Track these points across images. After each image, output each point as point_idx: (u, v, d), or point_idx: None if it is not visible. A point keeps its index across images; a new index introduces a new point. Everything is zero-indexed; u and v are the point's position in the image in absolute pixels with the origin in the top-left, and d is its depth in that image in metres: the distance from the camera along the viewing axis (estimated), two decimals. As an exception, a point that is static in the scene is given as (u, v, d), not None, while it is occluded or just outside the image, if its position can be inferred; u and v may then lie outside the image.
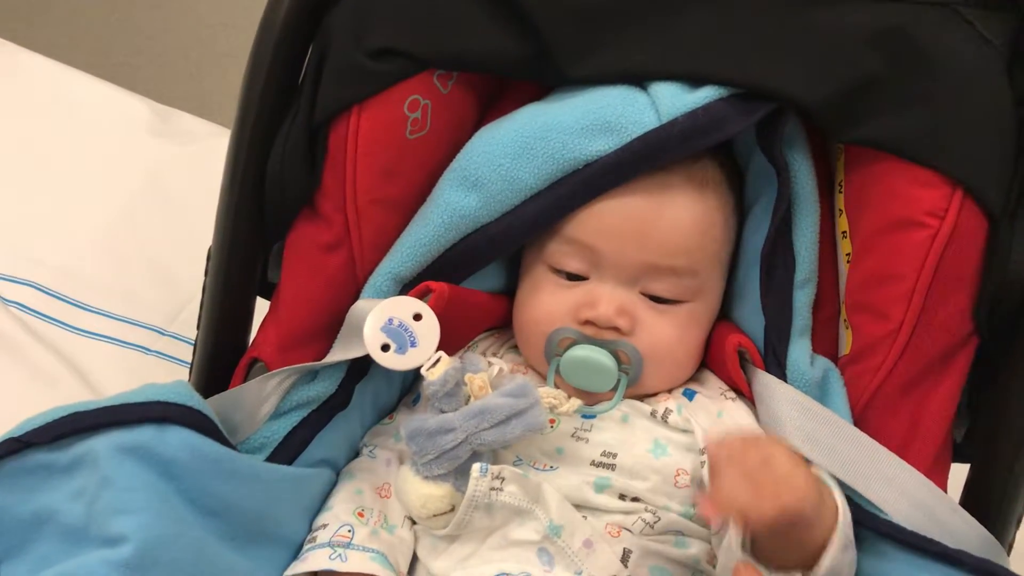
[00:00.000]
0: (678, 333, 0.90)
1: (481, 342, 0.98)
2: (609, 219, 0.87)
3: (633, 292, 0.88)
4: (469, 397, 0.82)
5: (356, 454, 0.94)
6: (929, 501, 0.82)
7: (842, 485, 0.82)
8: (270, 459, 0.86)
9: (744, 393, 0.90)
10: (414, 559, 0.87)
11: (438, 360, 0.83)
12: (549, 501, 0.82)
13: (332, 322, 0.90)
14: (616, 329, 0.87)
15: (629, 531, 0.83)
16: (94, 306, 1.32)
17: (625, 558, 0.82)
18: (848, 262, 0.90)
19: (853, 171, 0.89)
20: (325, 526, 0.85)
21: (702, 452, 0.86)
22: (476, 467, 0.81)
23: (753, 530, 0.73)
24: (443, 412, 0.82)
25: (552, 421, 0.87)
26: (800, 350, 0.88)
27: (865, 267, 0.88)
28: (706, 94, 0.85)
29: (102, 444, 0.75)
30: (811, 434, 0.84)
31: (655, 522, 0.83)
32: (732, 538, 0.75)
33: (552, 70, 0.89)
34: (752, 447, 0.73)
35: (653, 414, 0.89)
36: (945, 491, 0.85)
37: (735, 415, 0.88)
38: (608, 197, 0.87)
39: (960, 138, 0.83)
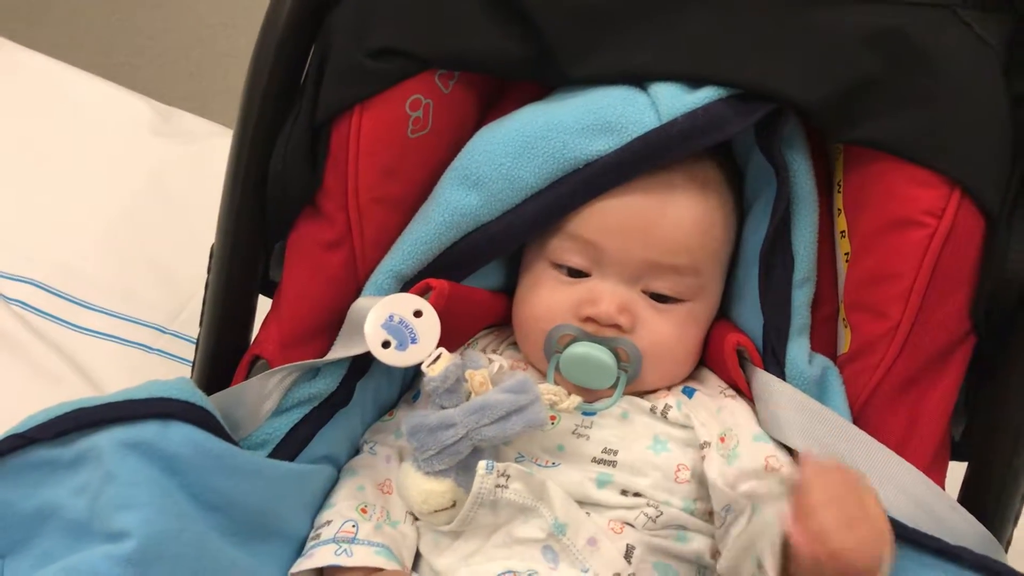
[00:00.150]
0: (678, 332, 0.90)
1: (481, 339, 0.98)
2: (612, 216, 0.87)
3: (634, 290, 0.89)
4: (470, 393, 0.83)
5: (357, 451, 0.94)
6: (928, 498, 0.82)
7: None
8: (272, 455, 0.86)
9: (743, 392, 0.90)
10: (417, 556, 0.87)
11: (438, 356, 0.83)
12: (554, 499, 0.82)
13: (333, 320, 0.91)
14: (617, 327, 0.87)
15: (632, 526, 0.84)
16: (95, 304, 1.32)
17: (629, 554, 0.82)
18: (847, 261, 0.90)
19: (852, 171, 0.89)
20: (329, 523, 0.86)
21: (702, 447, 0.86)
22: (482, 464, 0.81)
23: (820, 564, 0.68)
24: (444, 408, 0.82)
25: (553, 418, 0.88)
26: (799, 349, 0.88)
27: (863, 266, 0.88)
28: (706, 94, 0.85)
29: (105, 440, 0.76)
30: (810, 432, 0.84)
31: (657, 516, 0.84)
32: (770, 557, 0.72)
33: (553, 70, 0.89)
34: (849, 484, 0.70)
35: (653, 410, 0.89)
36: (943, 489, 0.85)
37: (734, 413, 0.89)
38: (611, 195, 0.87)
39: (958, 138, 0.83)
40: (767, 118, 0.87)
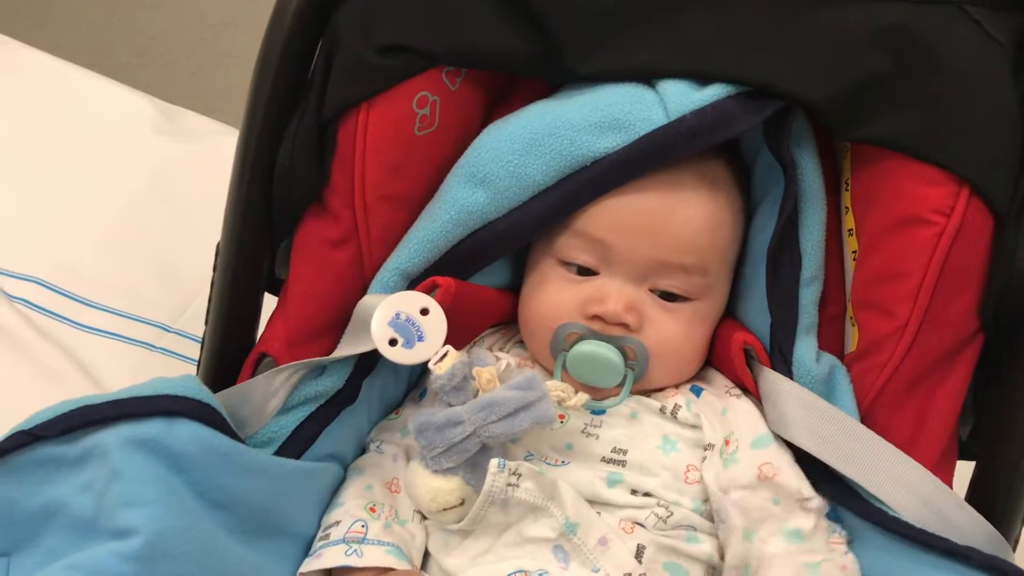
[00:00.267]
0: (685, 331, 0.90)
1: (487, 338, 0.98)
2: (621, 215, 0.87)
3: (642, 289, 0.88)
4: (477, 391, 0.83)
5: (363, 449, 0.94)
6: (935, 498, 0.82)
7: (849, 481, 0.83)
8: (278, 453, 0.86)
9: (750, 391, 0.90)
10: (426, 556, 0.87)
11: (445, 354, 0.83)
12: (565, 498, 0.82)
13: (340, 317, 0.90)
14: (624, 325, 0.87)
15: (642, 526, 0.84)
16: (99, 302, 1.32)
17: (639, 554, 0.82)
18: (854, 260, 0.90)
19: (860, 169, 0.89)
20: (338, 522, 0.86)
21: (706, 448, 0.86)
22: (494, 462, 0.81)
23: None
24: (451, 406, 0.82)
25: (562, 417, 0.87)
26: (806, 347, 0.88)
27: (871, 265, 0.88)
28: (714, 92, 0.85)
29: (112, 437, 0.75)
30: (818, 431, 0.84)
31: (668, 516, 0.84)
32: None
33: (560, 67, 0.89)
34: None
35: (662, 410, 0.89)
36: (951, 488, 0.85)
37: (738, 415, 0.89)
38: (620, 193, 0.87)
39: (966, 136, 0.83)
40: (775, 116, 0.86)
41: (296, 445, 0.87)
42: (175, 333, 1.31)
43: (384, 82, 0.88)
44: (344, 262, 0.91)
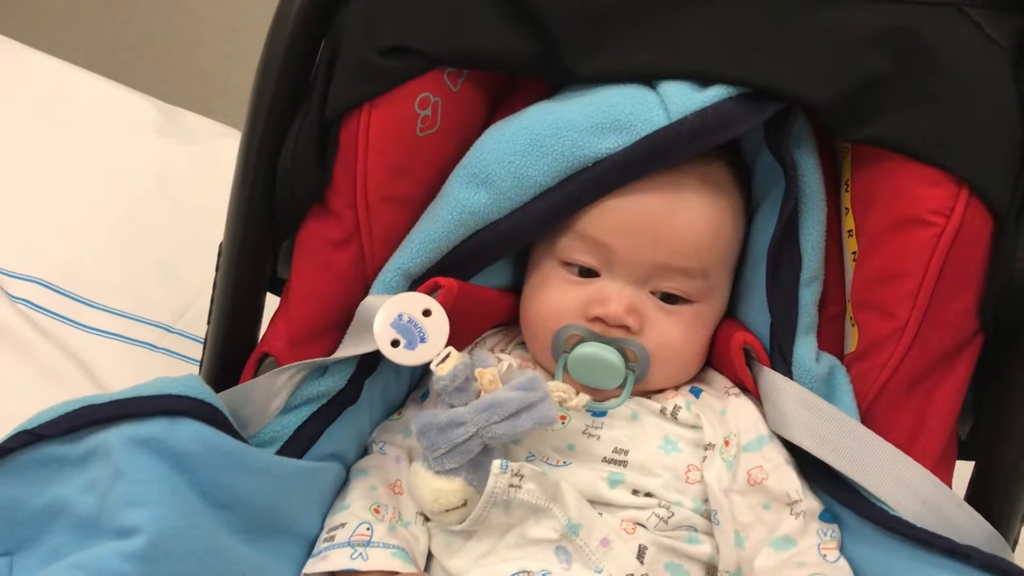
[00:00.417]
0: (685, 333, 0.90)
1: (489, 339, 0.98)
2: (623, 217, 0.87)
3: (643, 291, 0.89)
4: (479, 392, 0.83)
5: (365, 449, 0.94)
6: (935, 497, 0.82)
7: (848, 481, 0.83)
8: (280, 453, 0.86)
9: (750, 390, 0.90)
10: (429, 557, 0.87)
11: (447, 355, 0.83)
12: (567, 499, 0.82)
13: (342, 318, 0.91)
14: (625, 327, 0.87)
15: (644, 527, 0.84)
16: (100, 303, 1.32)
17: (641, 555, 0.82)
18: (854, 260, 0.90)
19: (860, 170, 0.89)
20: (343, 524, 0.86)
21: (706, 448, 0.87)
22: (496, 463, 0.81)
23: None
24: (453, 407, 0.82)
25: (563, 418, 0.88)
26: (806, 347, 0.88)
27: (871, 265, 0.88)
28: (715, 93, 0.85)
29: (115, 437, 0.75)
30: (817, 431, 0.84)
31: (669, 517, 0.84)
32: None
33: (561, 68, 0.89)
34: None
35: (663, 411, 0.89)
36: (950, 487, 0.85)
37: (737, 416, 0.89)
38: (622, 195, 0.87)
39: (966, 137, 0.83)
40: (776, 117, 0.87)
41: (298, 445, 0.87)
42: (177, 334, 1.31)
43: (386, 83, 0.88)
44: (346, 262, 0.91)
